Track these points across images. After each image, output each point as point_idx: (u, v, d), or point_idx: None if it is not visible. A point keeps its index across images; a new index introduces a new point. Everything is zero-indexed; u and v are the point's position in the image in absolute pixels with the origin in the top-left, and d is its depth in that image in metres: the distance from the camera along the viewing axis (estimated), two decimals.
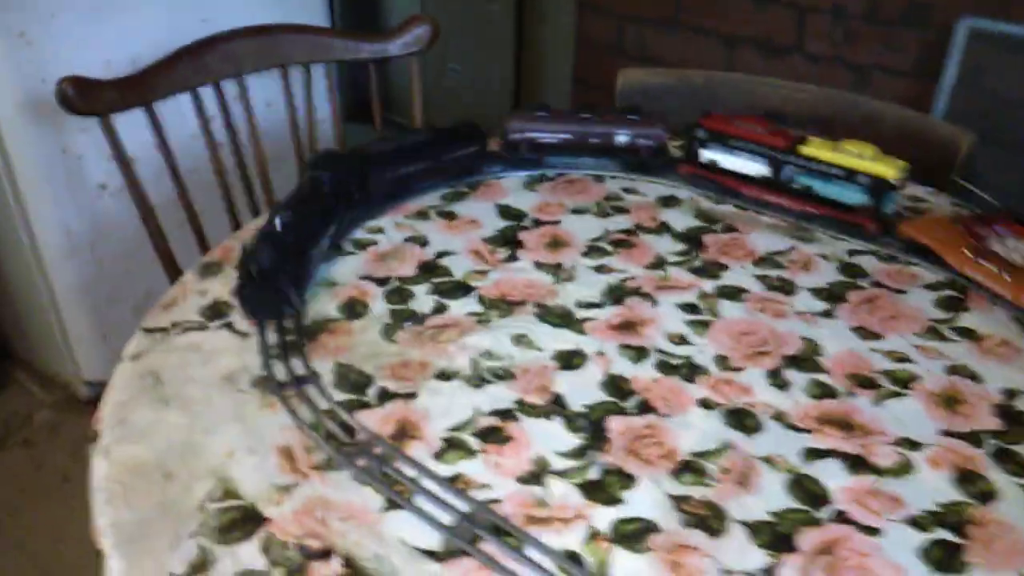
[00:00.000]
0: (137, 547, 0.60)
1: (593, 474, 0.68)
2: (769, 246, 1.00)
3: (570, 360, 0.80)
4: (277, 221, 0.86)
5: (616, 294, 0.90)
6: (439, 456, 0.69)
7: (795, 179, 1.05)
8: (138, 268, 1.67)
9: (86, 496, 0.65)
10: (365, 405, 0.74)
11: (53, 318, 1.75)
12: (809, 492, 0.67)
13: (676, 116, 1.21)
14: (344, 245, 0.98)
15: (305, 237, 0.89)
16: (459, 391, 0.76)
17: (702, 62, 1.73)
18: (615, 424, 0.73)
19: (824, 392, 0.78)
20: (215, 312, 0.85)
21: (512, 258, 0.96)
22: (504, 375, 0.78)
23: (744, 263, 0.97)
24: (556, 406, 0.75)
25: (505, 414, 0.74)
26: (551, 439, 0.71)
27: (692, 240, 1.01)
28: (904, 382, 0.79)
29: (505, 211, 1.06)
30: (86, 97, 0.99)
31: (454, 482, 0.66)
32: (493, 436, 0.71)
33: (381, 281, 0.91)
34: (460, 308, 0.87)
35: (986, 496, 0.67)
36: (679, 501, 0.66)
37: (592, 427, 0.72)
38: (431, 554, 0.60)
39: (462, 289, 0.90)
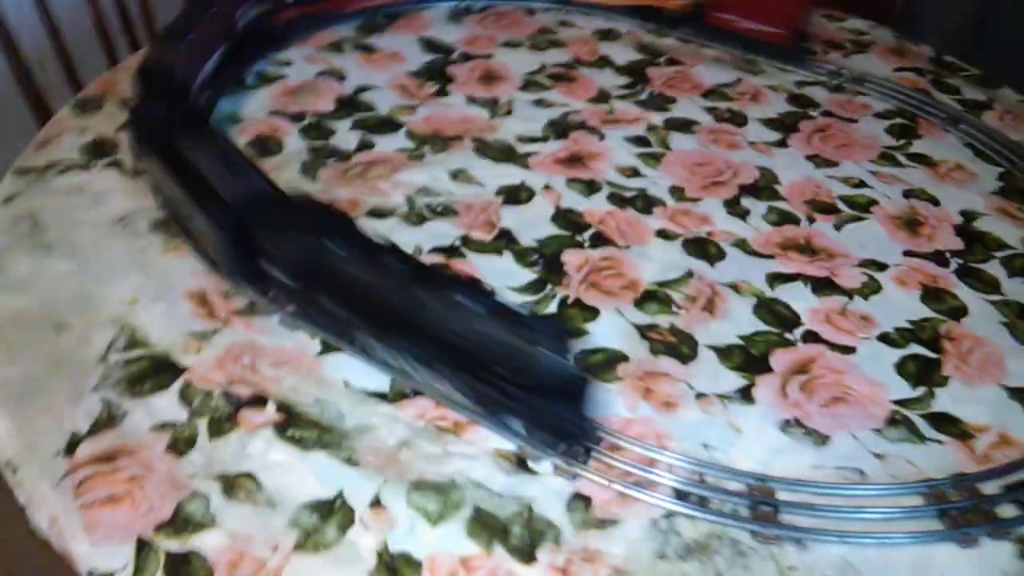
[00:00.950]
0: (28, 405, 0.51)
1: (552, 308, 0.62)
2: (716, 79, 0.94)
3: (516, 195, 0.73)
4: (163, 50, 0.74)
5: (560, 128, 0.83)
6: None
7: None
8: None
9: None
10: None
11: None
12: (778, 315, 0.63)
13: None
14: (247, 79, 0.86)
15: (192, 68, 0.77)
16: (397, 229, 0.68)
17: None
18: (571, 258, 0.67)
19: (784, 219, 0.73)
20: (99, 150, 0.73)
21: (442, 92, 0.87)
22: (444, 211, 0.70)
23: (692, 96, 0.90)
24: (505, 241, 0.68)
25: (450, 251, 0.66)
26: (503, 274, 0.64)
27: (636, 74, 0.94)
28: (863, 206, 0.75)
29: (429, 44, 0.95)
30: None
31: None
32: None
33: (295, 117, 0.80)
34: (388, 144, 0.78)
35: (957, 312, 0.65)
36: (645, 330, 0.61)
37: (546, 262, 0.66)
38: (380, 396, 0.53)
39: (389, 124, 0.81)
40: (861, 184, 0.78)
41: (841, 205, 0.75)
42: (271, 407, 0.52)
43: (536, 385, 0.47)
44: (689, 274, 0.66)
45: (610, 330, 0.60)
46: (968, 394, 0.58)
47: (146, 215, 0.66)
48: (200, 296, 0.59)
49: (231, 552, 0.44)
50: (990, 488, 0.51)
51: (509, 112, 0.85)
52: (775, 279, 0.66)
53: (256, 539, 0.45)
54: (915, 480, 0.51)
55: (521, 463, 0.50)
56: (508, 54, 0.95)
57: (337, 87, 0.86)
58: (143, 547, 0.44)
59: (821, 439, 0.54)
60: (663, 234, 0.70)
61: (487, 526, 0.46)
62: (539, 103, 0.86)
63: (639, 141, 0.82)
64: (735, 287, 0.65)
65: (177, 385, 0.53)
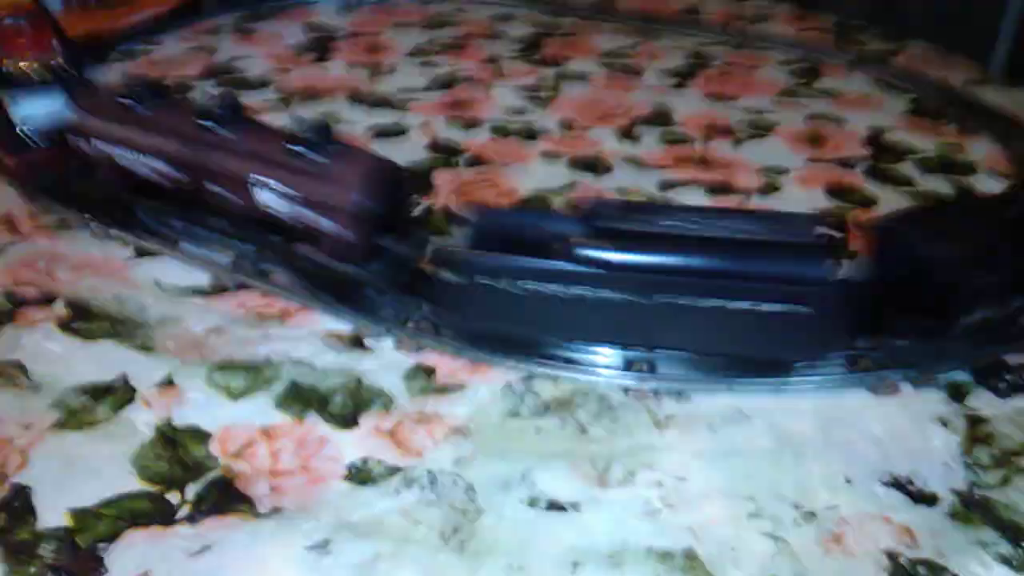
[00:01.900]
0: None
1: (416, 213, 0.55)
2: (614, 44, 0.91)
3: (389, 131, 0.67)
4: None
5: (444, 81, 0.78)
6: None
7: None
8: None
9: None
10: None
11: None
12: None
13: None
14: (109, 55, 0.80)
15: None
16: None
17: None
18: (443, 177, 0.60)
19: (679, 140, 0.68)
20: None
21: (320, 60, 0.82)
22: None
23: (587, 56, 0.87)
24: None
25: None
26: None
27: (531, 43, 0.90)
28: (764, 128, 0.71)
29: (313, 27, 0.91)
30: None
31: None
32: None
33: (151, 84, 0.75)
34: (252, 98, 0.72)
35: (867, 202, 0.59)
36: None
37: (416, 179, 0.59)
38: (196, 291, 0.45)
39: (257, 84, 0.75)
40: (763, 112, 0.74)
41: (741, 128, 0.71)
42: (59, 305, 0.44)
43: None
44: (571, 185, 0.60)
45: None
46: None
47: None
48: (5, 218, 0.51)
49: None
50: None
51: (391, 71, 0.80)
52: (667, 185, 0.61)
53: (8, 420, 0.36)
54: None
55: (356, 342, 0.42)
56: (397, 33, 0.91)
57: (206, 59, 0.81)
58: None
59: None
60: (547, 154, 0.64)
61: (301, 398, 0.38)
62: (425, 64, 0.82)
63: (529, 88, 0.77)
64: (623, 191, 0.59)
65: None
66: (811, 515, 0.33)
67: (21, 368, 0.39)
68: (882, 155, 0.67)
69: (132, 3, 0.86)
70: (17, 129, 0.56)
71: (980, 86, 0.79)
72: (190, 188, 0.47)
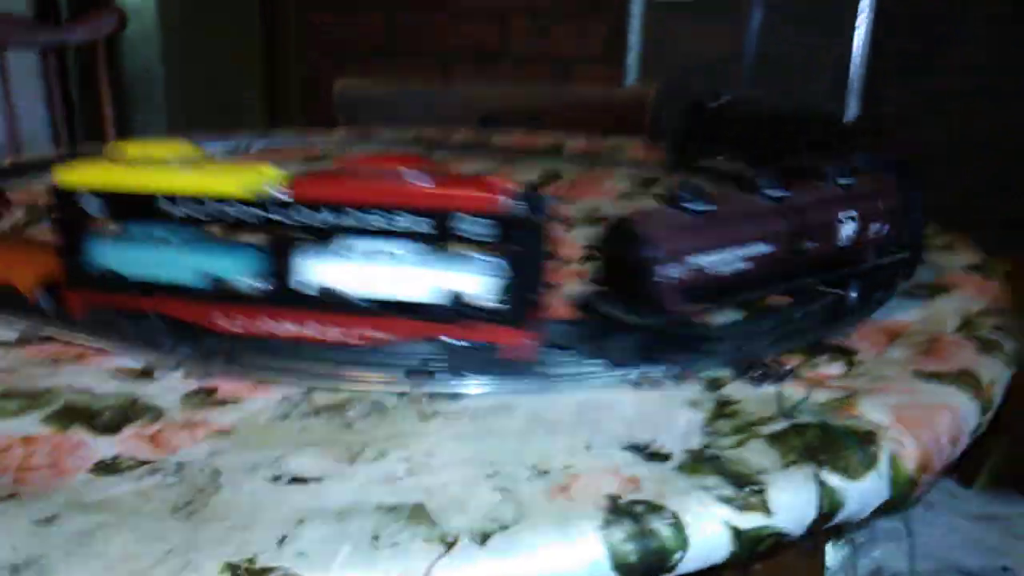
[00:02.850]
0: None
1: None
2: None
3: None
4: None
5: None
6: None
7: None
8: None
9: None
10: None
11: None
12: None
13: (398, 125, 1.20)
14: None
15: None
16: None
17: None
18: None
19: None
20: None
21: None
22: None
23: None
24: None
25: None
26: None
27: None
28: (597, 219, 0.77)
29: None
30: None
31: None
32: None
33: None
34: None
35: None
36: None
37: None
38: (2, 344, 0.47)
39: None
40: (597, 208, 0.80)
41: (575, 218, 0.76)
42: None
43: None
44: None
45: None
46: None
47: None
48: None
49: None
50: None
51: None
52: None
53: None
54: None
55: (144, 374, 0.43)
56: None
57: None
58: None
59: None
60: None
61: (70, 415, 0.39)
62: None
63: None
64: None
65: None
66: (544, 473, 0.34)
67: None
68: None
69: None
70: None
71: None
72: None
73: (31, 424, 0.38)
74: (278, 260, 0.43)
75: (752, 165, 0.83)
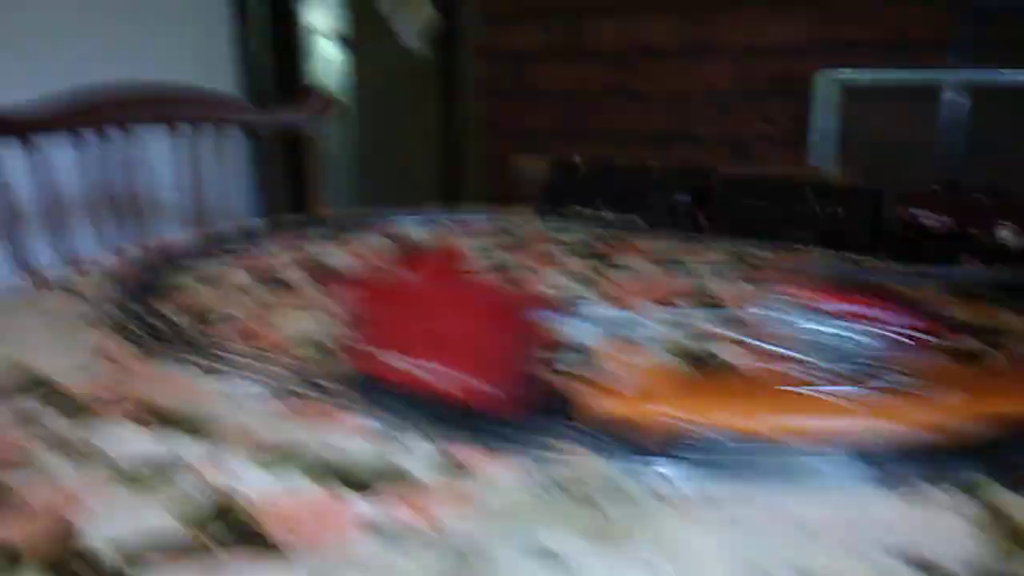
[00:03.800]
0: None
1: None
2: (661, 246, 0.98)
3: None
4: None
5: (500, 266, 0.86)
6: (280, 348, 0.60)
7: None
8: None
9: None
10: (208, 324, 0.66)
11: None
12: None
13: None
14: (215, 253, 0.92)
15: None
16: (316, 319, 0.68)
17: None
18: None
19: (715, 306, 0.72)
20: (58, 284, 0.77)
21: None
22: None
23: (635, 254, 0.94)
24: None
25: None
26: None
27: (583, 244, 0.99)
28: None
29: (393, 235, 1.03)
30: None
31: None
32: None
33: (251, 269, 0.85)
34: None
35: None
36: None
37: None
38: (253, 399, 0.50)
39: (337, 271, 0.85)
40: None
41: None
42: (127, 404, 0.49)
43: None
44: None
45: None
46: None
47: (79, 312, 0.68)
48: (100, 348, 0.59)
49: (39, 487, 0.39)
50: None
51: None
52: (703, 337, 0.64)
53: (68, 476, 0.40)
54: None
55: (389, 436, 0.45)
56: (466, 239, 1.02)
57: (297, 254, 0.92)
58: None
59: None
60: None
61: (325, 468, 0.41)
62: (485, 257, 0.91)
63: (577, 275, 0.84)
64: (655, 340, 0.63)
65: (44, 391, 0.51)
66: (807, 571, 0.33)
67: (88, 443, 0.44)
68: None
69: None
70: None
71: None
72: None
73: (292, 477, 0.40)
74: None
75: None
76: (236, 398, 0.50)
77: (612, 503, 0.38)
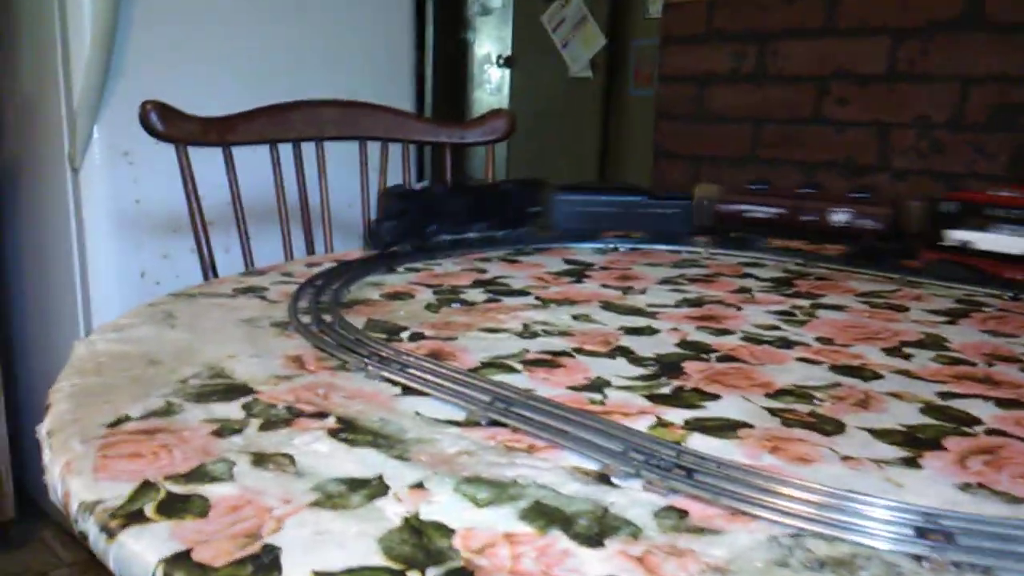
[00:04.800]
0: (92, 398, 0.49)
1: (664, 390, 0.54)
2: (872, 288, 0.89)
3: (638, 331, 0.69)
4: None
5: (694, 302, 0.80)
6: (474, 371, 0.57)
7: None
8: None
9: None
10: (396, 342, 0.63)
11: None
12: (952, 415, 0.51)
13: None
14: (397, 269, 0.91)
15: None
16: (506, 340, 0.65)
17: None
18: (692, 366, 0.60)
19: (956, 362, 0.63)
20: (250, 291, 0.78)
21: (576, 282, 0.88)
22: (560, 334, 0.67)
23: (843, 294, 0.85)
24: (619, 352, 0.62)
25: (559, 353, 0.61)
26: (612, 367, 0.58)
27: (780, 281, 0.91)
28: None
29: (572, 262, 0.99)
30: (167, 122, 1.02)
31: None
32: (543, 364, 0.59)
33: (432, 286, 0.83)
34: (515, 301, 0.78)
35: None
36: (778, 411, 0.51)
37: (663, 366, 0.59)
38: (452, 423, 0.47)
39: (519, 293, 0.81)
40: None
41: None
42: (330, 419, 0.46)
43: None
44: (836, 384, 0.56)
45: (732, 407, 0.51)
46: None
47: (272, 318, 0.68)
48: (296, 357, 0.58)
49: (237, 499, 0.37)
50: None
51: (642, 292, 0.83)
52: (948, 396, 0.55)
53: (270, 494, 0.37)
54: None
55: (603, 479, 0.40)
56: (648, 269, 0.96)
57: (476, 276, 0.89)
58: (145, 486, 0.38)
59: (1014, 499, 0.40)
60: (805, 360, 0.62)
61: (546, 514, 0.36)
62: (674, 290, 0.85)
63: (782, 314, 0.76)
64: (896, 395, 0.55)
65: (244, 400, 0.49)
66: None
67: (290, 458, 0.41)
68: None
69: None
70: None
71: None
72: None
73: (508, 519, 0.36)
74: None
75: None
76: (438, 422, 0.46)
77: None
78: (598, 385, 0.54)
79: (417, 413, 0.48)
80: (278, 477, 0.39)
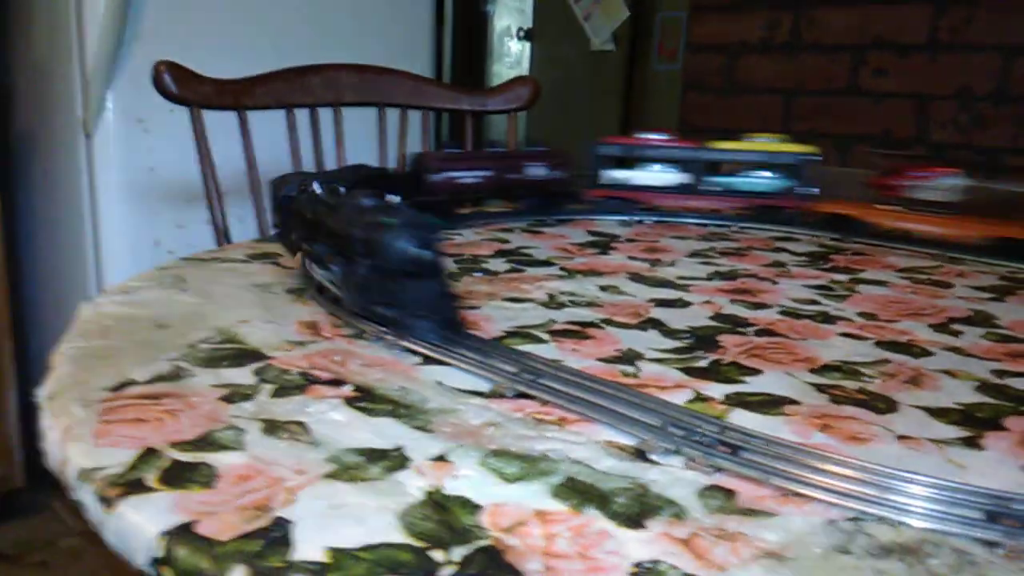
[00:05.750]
0: (96, 361, 0.46)
1: (701, 363, 0.51)
2: (913, 263, 0.85)
3: (670, 302, 0.65)
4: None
5: (726, 275, 0.76)
6: (499, 341, 0.54)
7: (709, 181, 1.04)
8: None
9: None
10: None
11: None
12: (1012, 395, 0.48)
13: None
14: None
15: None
16: (531, 310, 0.62)
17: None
18: (729, 340, 0.56)
19: (1009, 340, 0.59)
20: (264, 256, 0.75)
21: (603, 253, 0.84)
22: (588, 305, 0.64)
23: (883, 270, 0.82)
24: (651, 324, 0.59)
25: (587, 324, 0.58)
26: (644, 339, 0.55)
27: (817, 256, 0.87)
28: None
29: (595, 233, 0.95)
30: (180, 84, 0.99)
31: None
32: (571, 335, 0.56)
33: (453, 255, 0.80)
34: (540, 271, 0.75)
35: None
36: (825, 387, 0.47)
37: (700, 340, 0.56)
38: (475, 393, 0.44)
39: (543, 264, 0.78)
40: None
41: None
42: (347, 387, 0.44)
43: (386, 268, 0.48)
44: (885, 360, 0.53)
45: (775, 382, 0.48)
46: None
47: (286, 284, 0.65)
48: (311, 324, 0.55)
49: (246, 469, 0.34)
50: None
51: (672, 264, 0.80)
52: (1004, 374, 0.51)
53: (282, 464, 0.35)
54: None
55: (639, 454, 0.37)
56: (675, 241, 0.93)
57: (499, 246, 0.86)
58: (148, 453, 0.35)
59: None
60: (849, 335, 0.58)
61: (579, 491, 0.33)
62: (705, 263, 0.81)
63: (822, 288, 0.73)
64: (949, 372, 0.51)
65: (256, 365, 0.46)
66: None
67: (303, 427, 0.38)
68: None
69: None
70: None
71: None
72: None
73: (540, 496, 0.33)
74: None
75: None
76: (462, 392, 0.44)
77: None
78: (630, 357, 0.51)
79: (439, 383, 0.45)
80: (291, 446, 0.36)
